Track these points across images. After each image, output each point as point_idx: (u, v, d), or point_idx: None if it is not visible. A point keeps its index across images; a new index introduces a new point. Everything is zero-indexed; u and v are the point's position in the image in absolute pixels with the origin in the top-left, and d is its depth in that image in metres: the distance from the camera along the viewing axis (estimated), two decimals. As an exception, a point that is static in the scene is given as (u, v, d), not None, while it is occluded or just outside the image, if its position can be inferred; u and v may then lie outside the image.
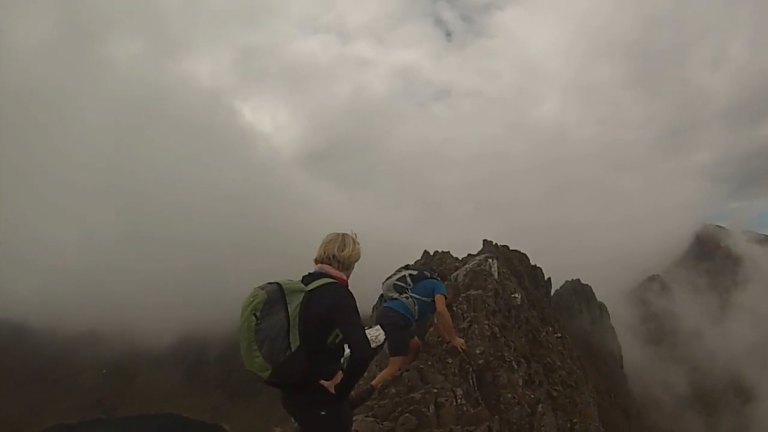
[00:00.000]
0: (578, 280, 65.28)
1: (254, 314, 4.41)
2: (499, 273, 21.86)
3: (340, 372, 4.77)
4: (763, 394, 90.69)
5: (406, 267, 9.55)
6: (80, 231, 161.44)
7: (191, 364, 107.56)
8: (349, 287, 4.92)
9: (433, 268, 9.84)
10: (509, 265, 29.94)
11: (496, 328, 13.43)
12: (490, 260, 21.29)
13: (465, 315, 12.52)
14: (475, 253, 30.13)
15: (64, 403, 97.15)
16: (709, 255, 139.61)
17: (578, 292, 64.01)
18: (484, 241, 33.12)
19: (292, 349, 4.38)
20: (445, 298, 8.97)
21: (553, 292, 45.27)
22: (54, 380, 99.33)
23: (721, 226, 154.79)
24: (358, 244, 5.14)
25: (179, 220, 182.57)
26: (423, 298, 8.85)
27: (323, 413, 4.69)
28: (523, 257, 36.80)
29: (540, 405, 10.79)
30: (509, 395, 9.62)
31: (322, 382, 4.65)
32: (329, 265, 4.92)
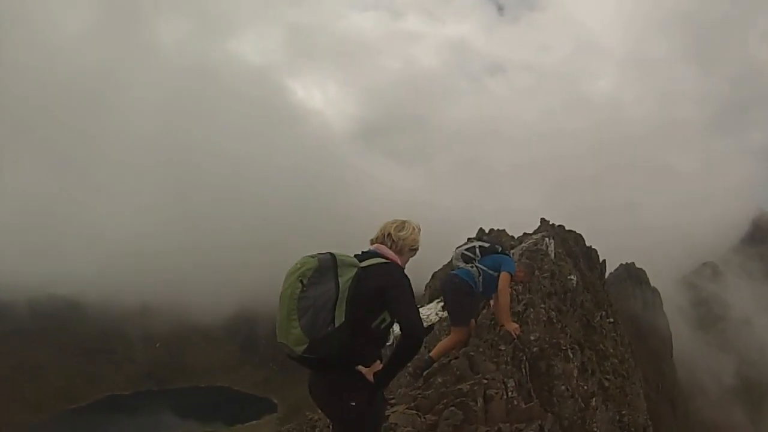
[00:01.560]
0: (633, 263, 63.72)
1: (301, 281, 4.02)
2: (555, 254, 21.10)
3: (379, 362, 4.32)
4: None
5: (479, 239, 9.03)
6: (135, 207, 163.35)
7: (243, 338, 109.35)
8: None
9: (505, 244, 9.22)
10: (565, 245, 28.97)
11: (553, 312, 12.76)
12: (547, 239, 20.51)
13: (520, 297, 11.80)
14: (530, 232, 29.32)
15: (117, 375, 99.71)
16: (766, 242, 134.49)
17: (632, 275, 62.47)
18: (542, 219, 32.15)
19: (336, 324, 3.97)
20: (511, 277, 8.38)
21: (607, 275, 44.00)
22: (108, 353, 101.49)
23: None
24: (419, 231, 4.73)
25: (233, 196, 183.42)
26: (489, 271, 8.28)
27: (353, 404, 4.24)
28: (579, 238, 35.67)
29: (594, 399, 10.13)
30: (563, 387, 8.96)
31: (360, 367, 4.22)
32: (384, 245, 4.56)
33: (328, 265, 4.09)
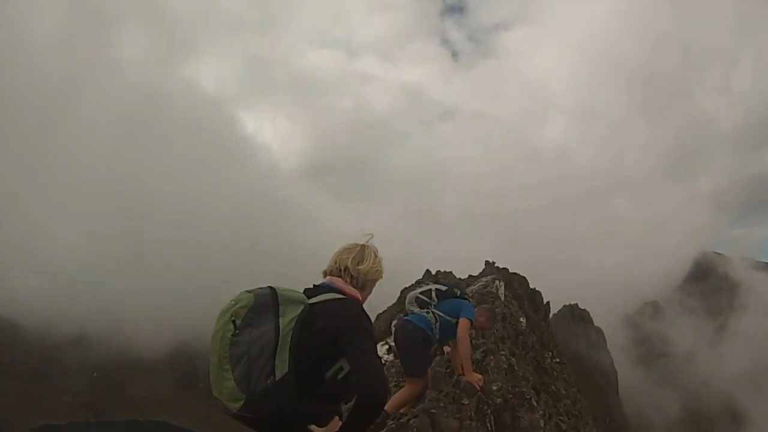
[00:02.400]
0: (576, 304, 64.29)
1: (233, 321, 3.26)
2: (504, 296, 20.64)
3: (337, 419, 3.48)
4: (757, 420, 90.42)
5: (436, 281, 8.24)
6: (78, 232, 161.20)
7: (182, 372, 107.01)
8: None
9: (462, 287, 8.46)
10: (510, 288, 28.71)
11: (513, 359, 12.11)
12: (497, 282, 20.04)
13: (477, 344, 11.09)
14: (475, 273, 28.97)
15: (53, 403, 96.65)
16: (707, 281, 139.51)
17: (576, 316, 62.98)
18: (486, 262, 31.95)
19: (276, 376, 3.21)
20: (471, 323, 7.65)
21: (551, 315, 44.10)
22: (44, 380, 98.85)
23: (720, 253, 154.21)
24: (381, 259, 3.92)
25: (177, 227, 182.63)
26: (447, 317, 7.51)
27: None
28: (523, 280, 35.68)
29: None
30: (531, 440, 8.24)
31: (312, 427, 3.42)
32: (340, 278, 3.75)
33: (266, 302, 3.34)
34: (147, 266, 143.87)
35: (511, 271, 33.89)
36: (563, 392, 20.62)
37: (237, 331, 3.20)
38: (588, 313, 64.48)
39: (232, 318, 3.22)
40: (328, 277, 3.76)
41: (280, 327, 3.25)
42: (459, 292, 7.90)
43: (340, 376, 3.44)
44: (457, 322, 7.47)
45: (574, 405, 20.79)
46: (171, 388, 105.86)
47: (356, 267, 3.73)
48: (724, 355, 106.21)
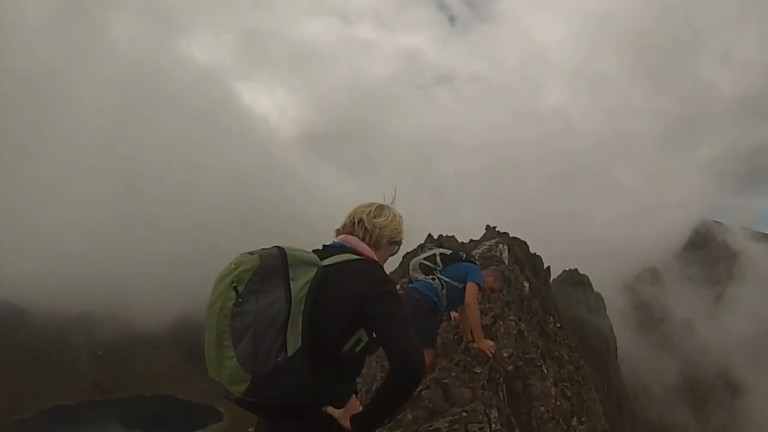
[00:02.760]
0: (576, 269, 64.10)
1: (234, 288, 2.67)
2: (507, 260, 20.27)
3: (355, 398, 2.98)
4: (753, 389, 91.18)
5: (439, 245, 7.79)
6: (77, 212, 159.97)
7: (187, 345, 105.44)
8: None
9: (468, 251, 8.00)
10: (511, 252, 28.35)
11: (522, 324, 11.78)
12: (501, 246, 19.65)
13: (482, 308, 10.71)
14: (477, 239, 28.55)
15: (61, 385, 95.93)
16: (706, 249, 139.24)
17: (576, 281, 62.82)
18: (487, 227, 31.51)
19: (288, 352, 2.62)
20: (480, 288, 7.24)
21: (551, 281, 43.88)
22: (51, 363, 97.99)
23: (719, 222, 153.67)
24: (401, 220, 3.36)
25: (177, 201, 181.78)
26: (454, 283, 7.05)
27: None
28: (523, 245, 35.14)
29: (574, 417, 9.16)
30: (542, 408, 7.91)
31: (330, 409, 2.89)
32: (355, 235, 3.19)
33: (273, 264, 2.77)
34: (146, 239, 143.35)
35: (511, 235, 33.44)
36: (566, 358, 20.33)
37: (240, 300, 2.65)
38: (588, 278, 64.31)
39: (234, 284, 2.67)
40: (341, 236, 3.23)
41: (292, 293, 2.71)
42: (465, 256, 7.46)
43: (358, 350, 2.91)
44: (464, 288, 7.06)
45: (577, 371, 20.52)
46: (177, 361, 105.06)
47: (373, 220, 3.22)
48: (721, 324, 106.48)
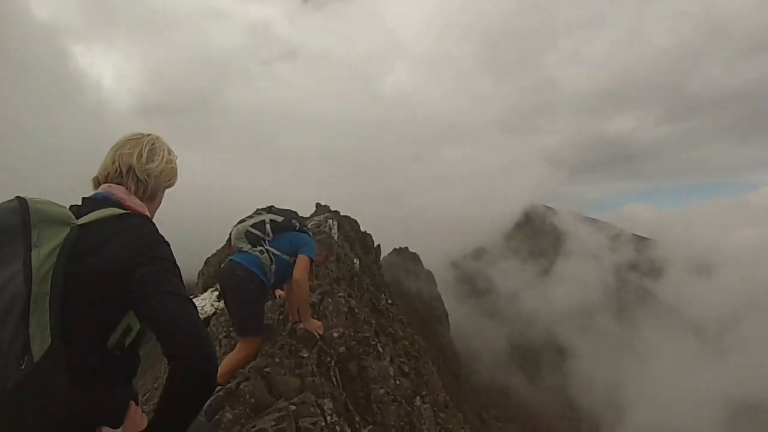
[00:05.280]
0: (407, 247, 65.42)
1: None
2: (337, 236, 19.73)
3: (134, 405, 2.10)
4: (580, 353, 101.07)
5: (269, 210, 6.63)
6: None
7: None
8: None
9: (301, 220, 6.88)
10: (341, 230, 27.94)
11: (353, 300, 11.03)
12: (330, 221, 18.96)
13: (312, 285, 9.79)
14: (306, 216, 27.85)
15: None
16: (535, 230, 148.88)
17: (406, 259, 64.13)
18: (318, 205, 30.80)
19: (35, 356, 1.73)
20: (312, 261, 6.28)
21: (382, 258, 44.27)
22: None
23: (550, 207, 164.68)
24: (175, 156, 2.48)
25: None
26: (284, 257, 6.07)
27: None
28: (354, 223, 34.97)
29: (417, 397, 8.52)
30: (381, 390, 7.16)
31: (105, 430, 2.00)
32: (121, 185, 2.26)
33: (9, 222, 1.87)
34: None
35: (342, 213, 33.07)
36: (400, 333, 20.28)
37: None
38: (418, 255, 66.06)
39: None
40: (103, 186, 2.25)
41: (33, 267, 1.78)
42: (297, 225, 6.47)
43: (128, 342, 2.03)
44: (294, 262, 6.13)
45: (412, 345, 20.54)
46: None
47: (145, 166, 2.31)
48: (547, 295, 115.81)
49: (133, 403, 2.13)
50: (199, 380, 1.90)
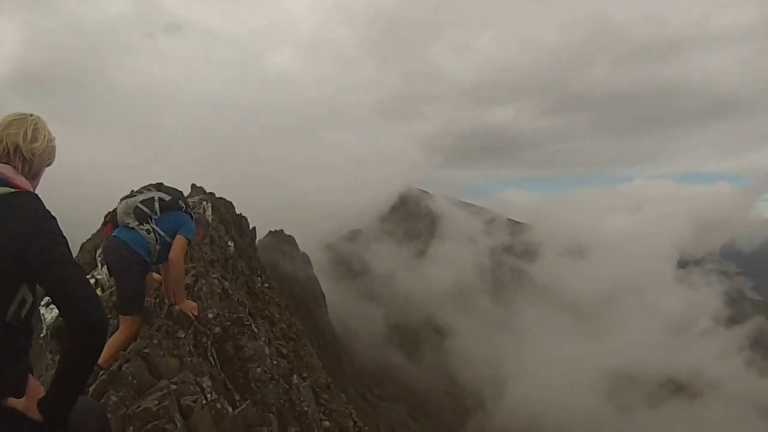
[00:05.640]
0: (282, 230, 64.86)
1: None
2: (211, 219, 19.44)
3: (32, 377, 2.32)
4: (458, 331, 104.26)
5: (158, 187, 6.50)
6: None
7: None
8: None
9: (186, 201, 6.81)
10: (216, 212, 27.39)
11: (226, 282, 11.03)
12: (204, 203, 18.71)
13: (186, 267, 9.71)
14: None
15: None
16: (410, 213, 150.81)
17: (282, 241, 63.60)
18: (193, 185, 29.96)
19: None
20: (189, 242, 6.29)
21: (257, 241, 43.73)
22: None
23: (426, 191, 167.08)
24: (54, 137, 2.61)
25: None
26: (167, 238, 6.06)
27: None
28: (229, 205, 34.31)
29: (294, 375, 8.70)
30: (259, 369, 7.29)
31: (11, 400, 2.18)
32: (8, 164, 2.42)
33: None
34: None
35: (218, 195, 32.39)
36: (278, 316, 20.35)
37: None
38: (293, 238, 65.72)
39: None
40: None
41: None
42: (184, 206, 6.46)
43: (24, 314, 2.25)
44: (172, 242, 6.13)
45: (289, 328, 20.69)
46: None
47: (30, 146, 2.47)
48: (423, 276, 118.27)
49: (30, 375, 2.31)
50: (95, 332, 2.15)
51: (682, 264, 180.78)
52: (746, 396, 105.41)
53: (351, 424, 12.71)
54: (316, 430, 7.52)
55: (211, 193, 30.85)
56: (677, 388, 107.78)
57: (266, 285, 25.12)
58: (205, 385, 5.24)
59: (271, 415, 5.52)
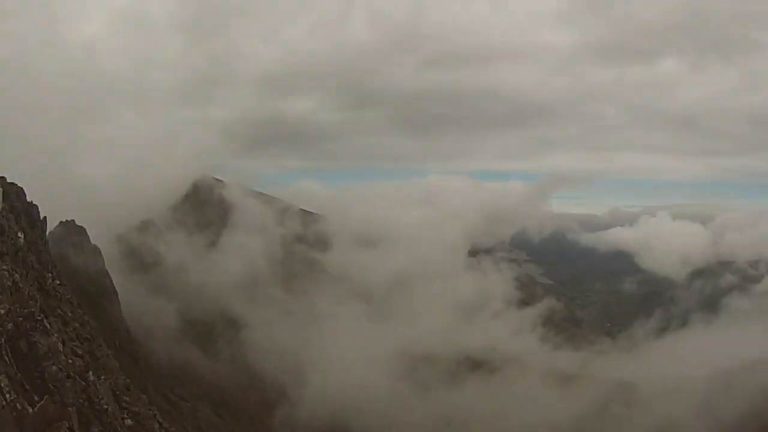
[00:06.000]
0: (73, 221, 60.26)
1: None
2: (2, 207, 17.83)
3: None
4: (252, 322, 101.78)
5: None
6: None
7: None
8: None
9: None
10: (6, 199, 25.04)
11: (17, 275, 10.39)
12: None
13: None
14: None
15: None
16: (203, 202, 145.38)
17: (72, 233, 59.07)
18: (-20, 169, 27.15)
19: None
20: None
21: (48, 233, 40.44)
22: None
23: (220, 180, 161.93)
24: None
25: None
26: None
27: None
28: (21, 192, 31.39)
29: (90, 372, 8.46)
30: (54, 367, 7.06)
31: None
32: None
33: None
34: None
35: (9, 180, 29.51)
36: (70, 315, 19.24)
37: None
38: (85, 229, 61.37)
39: None
40: None
41: None
42: None
43: None
44: None
45: (83, 328, 19.61)
46: None
47: None
48: (215, 267, 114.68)
49: None
50: None
51: (473, 253, 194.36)
52: (544, 367, 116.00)
53: (156, 426, 12.47)
54: (118, 428, 7.41)
55: (2, 177, 28.16)
56: (475, 365, 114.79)
57: (57, 282, 23.47)
58: (2, 385, 5.07)
59: (70, 409, 5.40)
